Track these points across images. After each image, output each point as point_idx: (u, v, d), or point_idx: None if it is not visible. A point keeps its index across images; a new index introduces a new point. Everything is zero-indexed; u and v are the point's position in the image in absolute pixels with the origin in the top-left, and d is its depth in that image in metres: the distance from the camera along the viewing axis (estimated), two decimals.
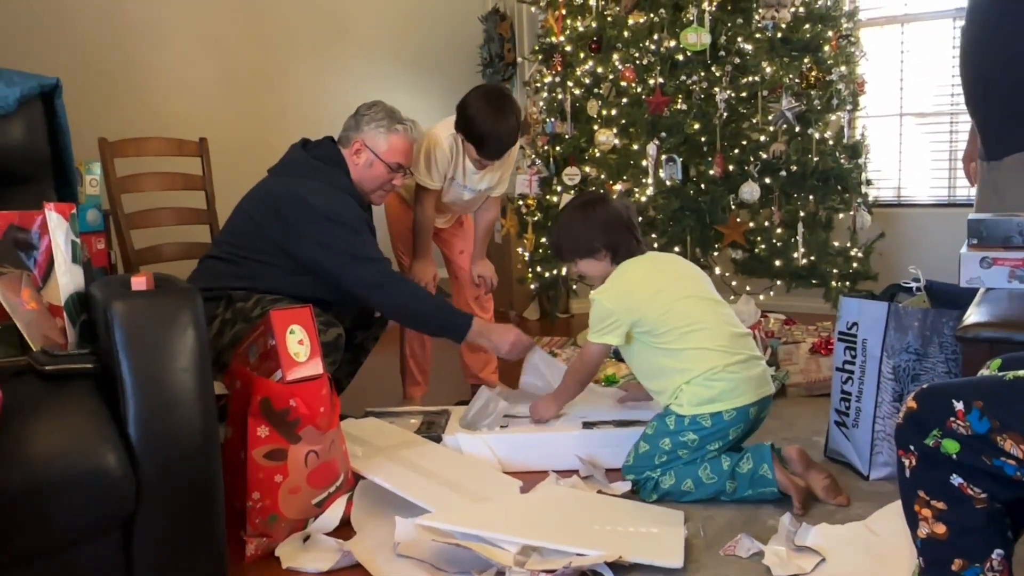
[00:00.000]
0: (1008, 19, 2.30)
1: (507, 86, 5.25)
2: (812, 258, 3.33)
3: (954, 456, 1.24)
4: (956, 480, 1.25)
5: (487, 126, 2.56)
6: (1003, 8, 2.32)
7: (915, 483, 1.30)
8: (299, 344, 1.88)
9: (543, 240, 3.64)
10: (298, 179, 2.41)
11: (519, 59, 5.01)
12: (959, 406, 1.22)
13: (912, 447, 1.28)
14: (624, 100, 3.42)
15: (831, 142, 3.37)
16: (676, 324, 2.15)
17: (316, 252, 2.35)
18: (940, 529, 1.28)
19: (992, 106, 2.42)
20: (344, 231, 2.36)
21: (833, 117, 3.46)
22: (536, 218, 3.67)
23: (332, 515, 1.96)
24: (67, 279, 1.70)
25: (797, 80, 3.26)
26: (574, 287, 3.95)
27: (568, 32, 3.60)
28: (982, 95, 2.45)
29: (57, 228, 1.71)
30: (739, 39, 3.31)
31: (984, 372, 1.41)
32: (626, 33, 3.40)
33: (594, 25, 3.52)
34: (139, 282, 1.60)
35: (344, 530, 1.96)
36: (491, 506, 2.04)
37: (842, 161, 3.35)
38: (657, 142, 3.30)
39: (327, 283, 2.38)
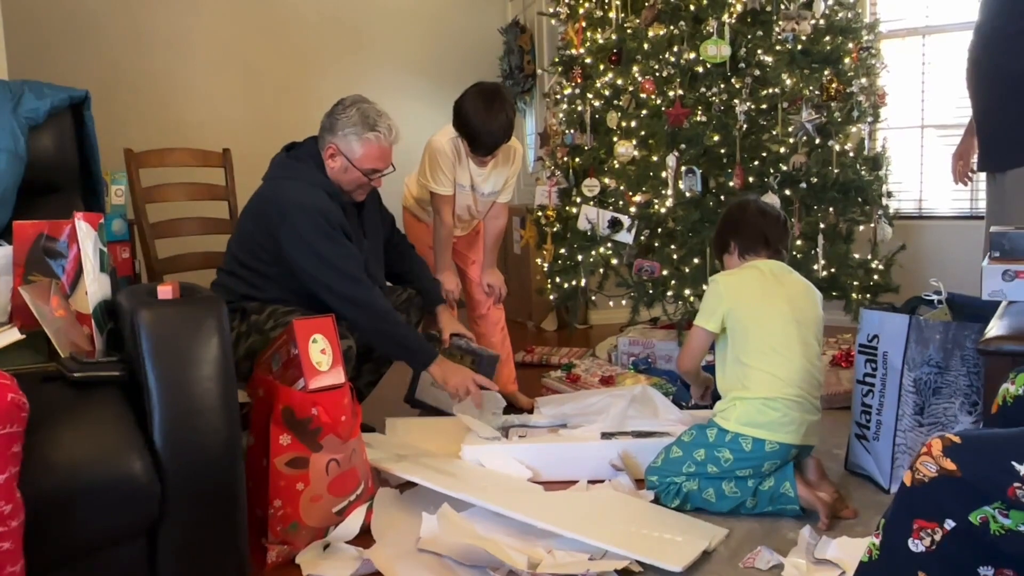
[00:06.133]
0: (1014, 41, 2.36)
1: (526, 97, 5.28)
2: (832, 270, 3.32)
3: (1002, 533, 0.98)
4: (987, 571, 1.01)
5: (478, 121, 2.64)
6: (1010, 30, 2.37)
7: (924, 564, 1.01)
8: (321, 353, 1.90)
9: (562, 251, 3.64)
10: (279, 180, 2.40)
11: (539, 71, 5.04)
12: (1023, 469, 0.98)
13: (948, 519, 1.01)
14: (644, 112, 3.43)
15: (851, 154, 3.36)
16: (760, 339, 2.13)
17: (292, 250, 2.29)
18: None
19: (994, 121, 2.47)
20: (317, 229, 2.28)
21: (854, 129, 3.44)
22: (555, 229, 3.67)
23: (352, 523, 1.97)
24: (95, 287, 1.73)
25: (817, 92, 3.25)
26: (592, 298, 3.95)
27: (588, 44, 3.61)
28: (983, 110, 2.53)
29: (86, 237, 1.74)
30: (759, 51, 3.31)
31: (1009, 387, 1.32)
32: (646, 45, 3.41)
33: (614, 37, 3.53)
34: (165, 291, 1.62)
35: (364, 538, 1.98)
36: (528, 496, 2.08)
37: (863, 173, 3.34)
38: (677, 154, 3.29)
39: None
